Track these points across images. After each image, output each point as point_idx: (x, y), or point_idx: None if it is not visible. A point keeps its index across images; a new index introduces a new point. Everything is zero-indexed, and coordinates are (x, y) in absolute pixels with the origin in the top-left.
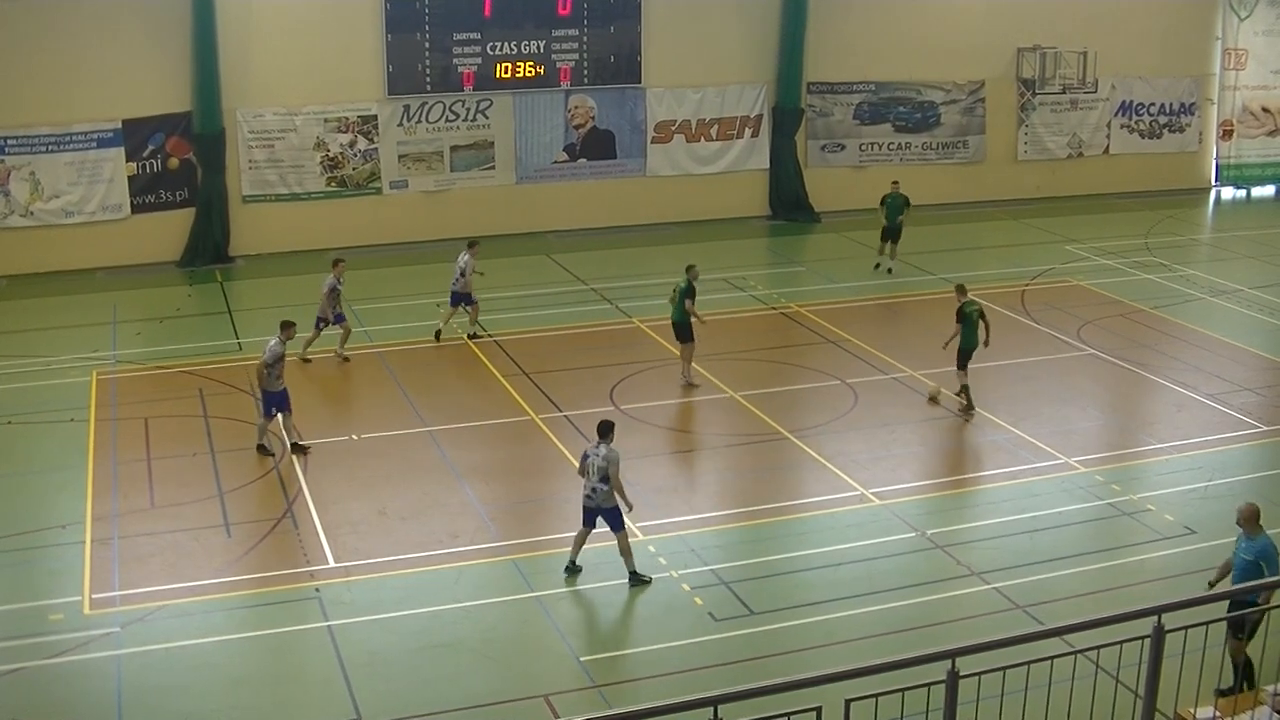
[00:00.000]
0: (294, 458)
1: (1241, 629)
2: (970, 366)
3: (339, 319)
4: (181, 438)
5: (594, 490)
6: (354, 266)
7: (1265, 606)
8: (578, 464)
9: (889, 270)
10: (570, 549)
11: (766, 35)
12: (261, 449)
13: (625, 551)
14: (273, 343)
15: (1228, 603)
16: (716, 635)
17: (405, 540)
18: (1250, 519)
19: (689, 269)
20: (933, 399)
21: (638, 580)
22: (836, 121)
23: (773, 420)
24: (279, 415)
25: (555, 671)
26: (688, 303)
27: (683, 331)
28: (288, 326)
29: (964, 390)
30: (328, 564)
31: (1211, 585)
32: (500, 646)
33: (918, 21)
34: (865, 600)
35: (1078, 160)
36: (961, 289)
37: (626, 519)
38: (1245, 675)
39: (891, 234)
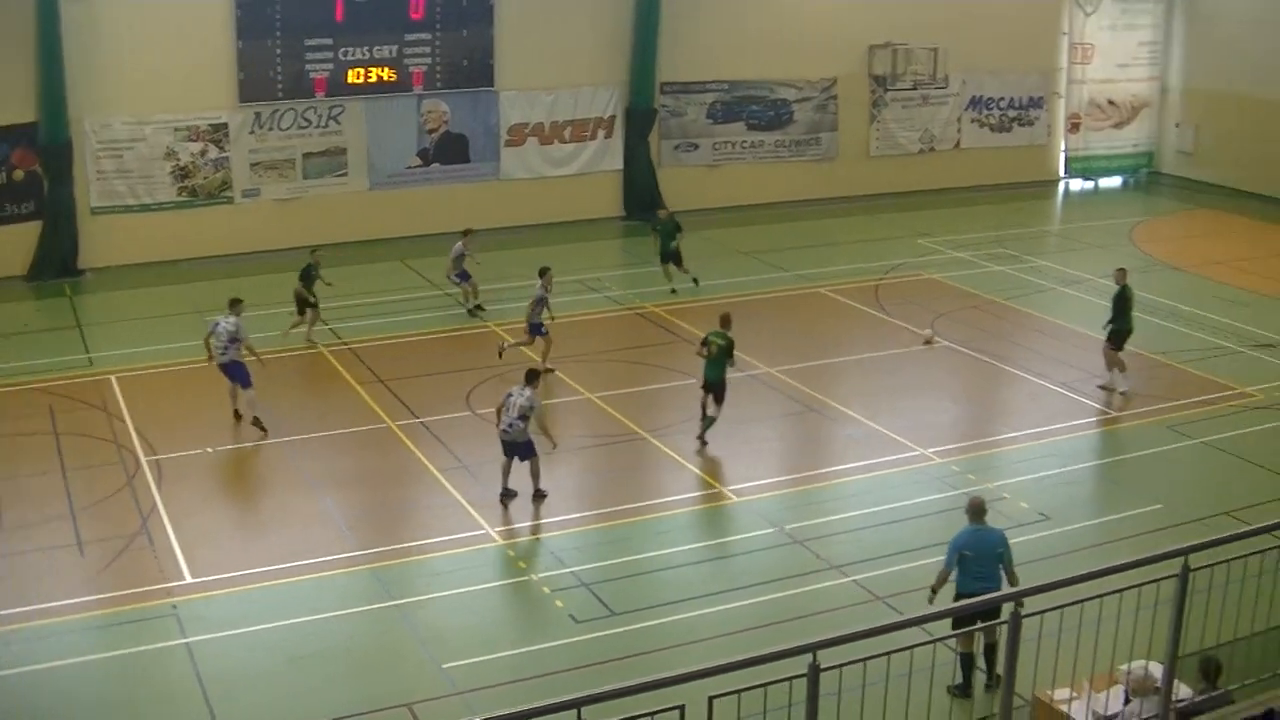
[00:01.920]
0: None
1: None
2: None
3: (536, 329)
4: (31, 456)
5: (510, 426)
6: (207, 277)
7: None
8: (498, 403)
9: (695, 281)
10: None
11: (619, 36)
12: None
13: (534, 474)
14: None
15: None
16: (578, 637)
17: (263, 553)
18: (969, 510)
19: (313, 252)
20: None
21: (540, 496)
22: (690, 121)
23: (630, 420)
24: None
25: (418, 680)
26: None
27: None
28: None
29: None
30: (185, 580)
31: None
32: (362, 657)
33: (770, 20)
34: (726, 597)
35: (929, 155)
36: (724, 319)
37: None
38: (984, 662)
39: (670, 258)
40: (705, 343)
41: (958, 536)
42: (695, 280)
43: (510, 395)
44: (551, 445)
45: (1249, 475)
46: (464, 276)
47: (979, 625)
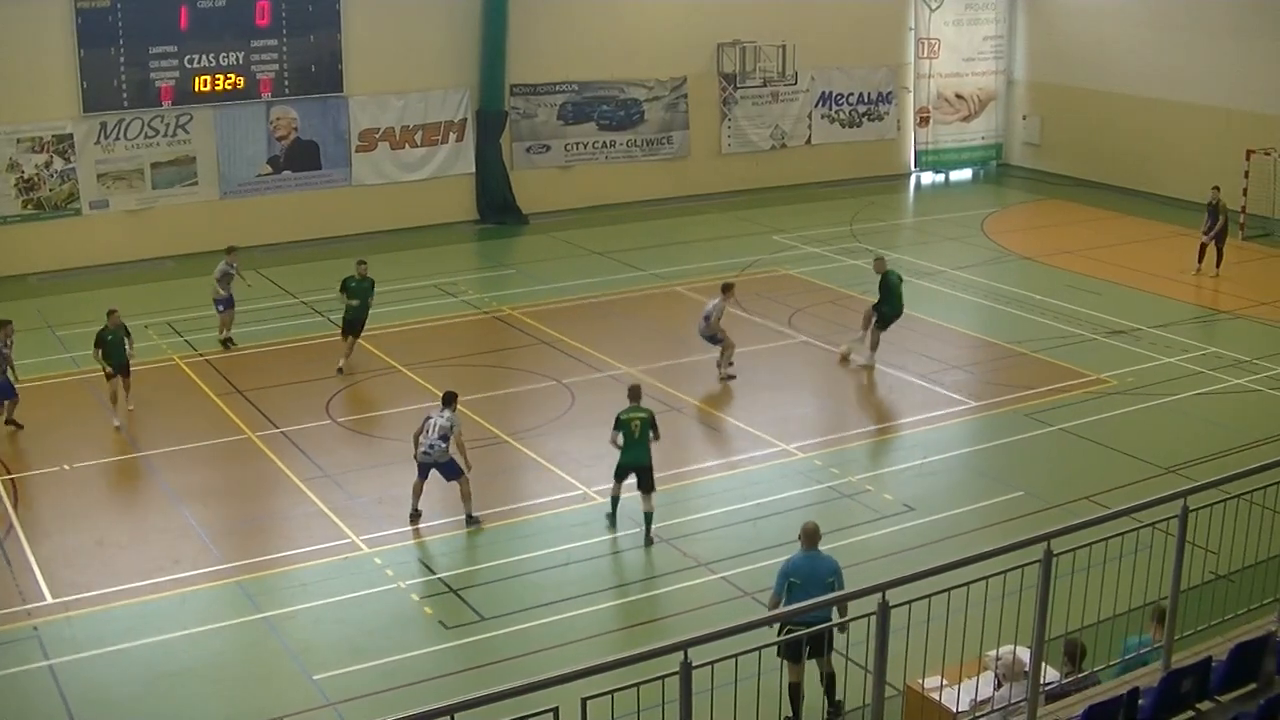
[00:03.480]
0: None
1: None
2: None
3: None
4: None
5: (431, 447)
6: (55, 291)
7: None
8: (418, 425)
9: (339, 370)
10: (411, 499)
11: (468, 39)
12: None
13: (465, 496)
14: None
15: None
16: (449, 643)
17: (126, 570)
18: (802, 535)
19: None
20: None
21: (473, 522)
22: (541, 123)
23: (491, 425)
24: None
25: (289, 692)
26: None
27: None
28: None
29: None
30: (45, 600)
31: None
32: (231, 671)
33: (618, 20)
34: (596, 598)
35: (781, 151)
36: (634, 392)
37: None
38: (830, 688)
39: (352, 328)
40: (619, 425)
41: (787, 562)
42: (339, 371)
43: (429, 417)
44: (466, 468)
45: (1107, 460)
46: (228, 304)
47: (805, 630)
